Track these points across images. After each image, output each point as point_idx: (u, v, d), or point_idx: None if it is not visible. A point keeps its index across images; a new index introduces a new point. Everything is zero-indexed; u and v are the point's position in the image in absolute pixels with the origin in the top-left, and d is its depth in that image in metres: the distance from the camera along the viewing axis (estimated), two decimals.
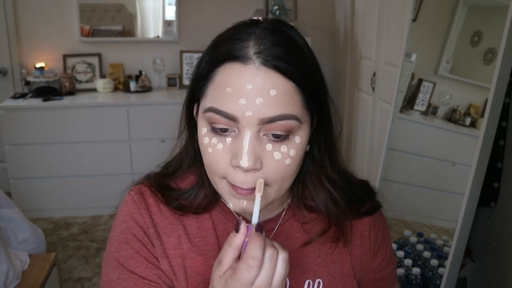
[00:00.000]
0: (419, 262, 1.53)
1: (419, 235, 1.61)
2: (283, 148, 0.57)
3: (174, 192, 0.70)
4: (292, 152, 0.58)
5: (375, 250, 0.74)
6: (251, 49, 0.56)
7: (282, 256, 0.54)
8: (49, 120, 2.83)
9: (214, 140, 0.58)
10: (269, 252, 0.53)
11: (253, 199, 0.57)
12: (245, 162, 0.55)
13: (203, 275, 0.67)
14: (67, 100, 2.93)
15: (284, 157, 0.58)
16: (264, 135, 0.57)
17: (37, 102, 2.86)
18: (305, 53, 0.60)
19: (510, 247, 1.35)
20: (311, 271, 0.70)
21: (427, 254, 1.52)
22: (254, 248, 0.52)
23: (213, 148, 0.58)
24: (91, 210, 3.00)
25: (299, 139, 0.59)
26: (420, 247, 1.57)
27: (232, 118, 0.56)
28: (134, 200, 0.68)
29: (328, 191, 0.69)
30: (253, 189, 0.58)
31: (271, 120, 0.55)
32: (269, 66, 0.55)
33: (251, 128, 0.56)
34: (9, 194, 2.61)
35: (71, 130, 2.86)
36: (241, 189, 0.58)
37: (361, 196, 0.74)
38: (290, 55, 0.57)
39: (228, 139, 0.58)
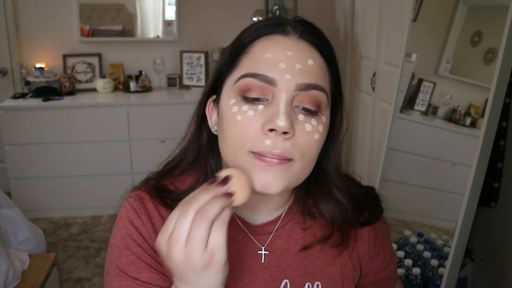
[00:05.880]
0: (419, 262, 1.53)
1: (419, 235, 1.61)
2: (314, 121, 0.59)
3: (172, 193, 0.69)
4: (321, 128, 0.59)
5: (374, 253, 0.74)
6: (289, 27, 0.61)
7: (211, 212, 0.49)
8: (49, 120, 2.83)
9: (245, 107, 0.58)
10: (201, 198, 0.50)
11: (281, 173, 0.57)
12: (282, 121, 0.55)
13: None
14: (67, 100, 2.93)
15: (314, 130, 0.59)
16: (295, 106, 0.58)
17: (37, 102, 2.86)
18: (332, 47, 0.64)
19: (510, 247, 1.35)
20: (310, 274, 0.69)
21: (427, 254, 1.52)
22: (194, 192, 0.51)
23: (243, 115, 0.57)
24: (91, 210, 3.00)
25: (325, 119, 0.61)
26: (420, 247, 1.57)
27: (270, 82, 0.57)
28: (133, 206, 0.67)
29: (335, 197, 0.68)
30: (282, 160, 0.57)
31: (307, 88, 0.58)
32: (307, 40, 0.60)
33: (287, 92, 0.57)
34: (9, 194, 2.60)
35: (71, 130, 2.86)
36: (270, 157, 0.56)
37: (364, 205, 0.73)
38: (323, 37, 0.62)
39: (260, 106, 0.58)
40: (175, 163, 0.71)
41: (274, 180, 0.57)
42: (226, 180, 0.52)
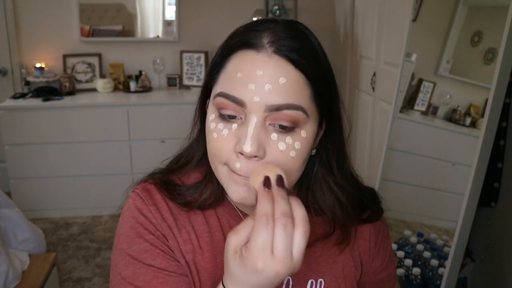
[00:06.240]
0: (419, 262, 1.53)
1: (419, 235, 1.61)
2: (288, 139, 0.58)
3: (178, 187, 0.69)
4: (297, 145, 0.58)
5: (375, 252, 0.74)
6: (266, 38, 0.58)
7: (300, 213, 0.51)
8: (49, 120, 2.83)
9: (220, 125, 0.59)
10: (281, 205, 0.50)
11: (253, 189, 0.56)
12: (247, 146, 0.55)
13: (210, 272, 0.66)
14: (67, 100, 2.93)
15: (289, 148, 0.58)
16: (270, 124, 0.57)
17: (37, 102, 2.86)
18: (318, 52, 0.61)
19: (510, 247, 1.35)
20: (313, 271, 0.70)
21: (427, 254, 1.52)
22: (263, 204, 0.50)
23: (218, 133, 0.59)
24: (91, 210, 3.00)
25: (305, 134, 0.59)
26: (420, 247, 1.57)
27: (240, 103, 0.56)
28: (140, 197, 0.67)
29: (335, 196, 0.68)
30: None
31: (278, 108, 0.56)
32: (281, 55, 0.57)
33: (257, 114, 0.56)
34: (9, 194, 2.60)
35: (71, 130, 2.87)
36: (243, 176, 0.58)
37: (366, 203, 0.73)
38: (303, 49, 0.58)
39: (234, 125, 0.58)
40: (183, 162, 0.71)
41: (249, 194, 0.58)
42: (281, 180, 0.53)
